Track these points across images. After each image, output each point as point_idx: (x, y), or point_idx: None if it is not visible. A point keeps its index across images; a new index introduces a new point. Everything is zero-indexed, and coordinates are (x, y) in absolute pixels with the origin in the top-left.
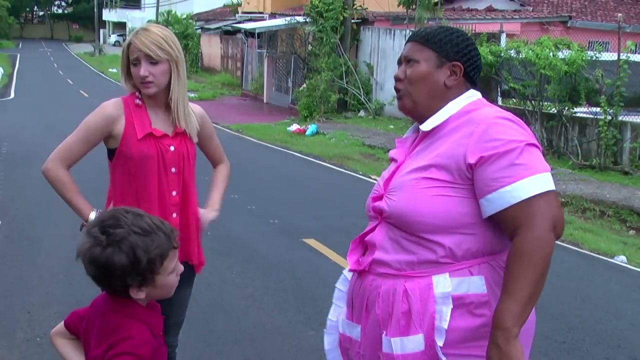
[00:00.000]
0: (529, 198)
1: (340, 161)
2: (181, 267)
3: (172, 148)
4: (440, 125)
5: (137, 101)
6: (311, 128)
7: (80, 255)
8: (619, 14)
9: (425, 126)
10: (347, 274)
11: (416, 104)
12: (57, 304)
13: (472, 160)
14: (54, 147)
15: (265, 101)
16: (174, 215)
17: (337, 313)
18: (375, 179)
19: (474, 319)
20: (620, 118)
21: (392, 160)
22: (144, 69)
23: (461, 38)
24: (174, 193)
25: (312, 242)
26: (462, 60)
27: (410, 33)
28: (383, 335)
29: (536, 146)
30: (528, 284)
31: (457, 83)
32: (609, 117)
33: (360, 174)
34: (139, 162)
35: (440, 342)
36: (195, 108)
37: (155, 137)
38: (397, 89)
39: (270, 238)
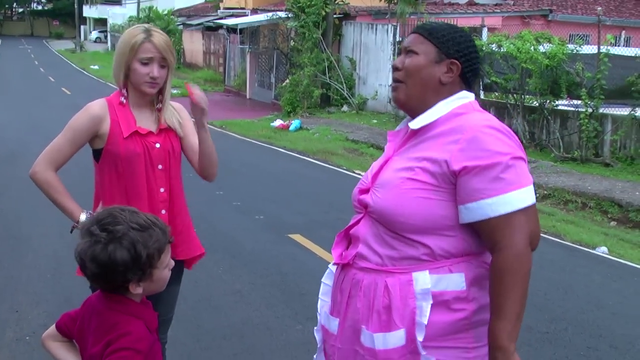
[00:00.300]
0: (508, 213)
1: (324, 156)
2: (172, 262)
3: (157, 145)
4: (429, 125)
5: (122, 99)
6: (295, 123)
7: (80, 255)
8: (599, 8)
9: (414, 124)
10: (332, 268)
11: (409, 97)
12: (45, 302)
13: (456, 167)
14: (37, 146)
15: (248, 97)
16: (163, 211)
17: (321, 306)
18: (360, 174)
19: (453, 314)
20: (601, 110)
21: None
22: (156, 71)
23: (464, 38)
24: (161, 190)
25: (297, 238)
26: (461, 59)
27: (392, 26)
28: (363, 329)
29: (522, 158)
30: (515, 301)
31: (452, 81)
32: (590, 110)
33: (344, 169)
34: (126, 161)
35: (420, 337)
36: (175, 104)
37: (141, 135)
38: (393, 79)
39: (256, 234)
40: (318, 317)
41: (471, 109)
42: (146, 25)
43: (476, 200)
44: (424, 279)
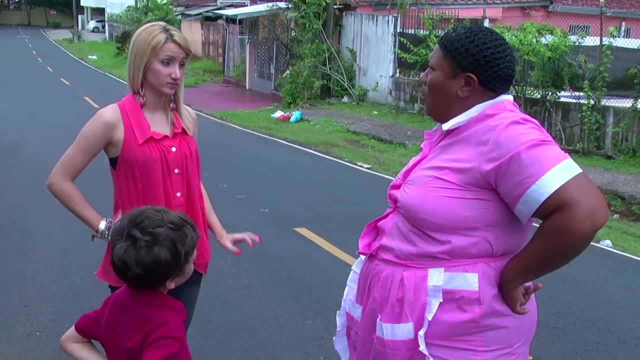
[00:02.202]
0: (556, 190)
1: (326, 148)
2: (195, 254)
3: (173, 149)
4: (462, 126)
5: (141, 100)
6: (295, 115)
7: (122, 259)
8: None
9: (446, 125)
10: (362, 257)
11: (433, 111)
12: (54, 297)
13: (488, 168)
14: (38, 137)
15: (247, 88)
16: None
17: (347, 293)
18: (362, 166)
19: (462, 314)
20: (603, 103)
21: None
22: (178, 71)
23: (480, 47)
24: (178, 194)
25: (303, 231)
26: (477, 71)
27: (393, 17)
28: (378, 318)
29: (549, 142)
30: (539, 256)
31: (472, 94)
32: (592, 102)
33: (346, 161)
34: (144, 167)
35: (421, 333)
36: (190, 110)
37: (156, 140)
38: (422, 92)
39: (261, 227)
40: (343, 303)
41: (503, 109)
42: (162, 23)
43: (524, 192)
44: (437, 276)
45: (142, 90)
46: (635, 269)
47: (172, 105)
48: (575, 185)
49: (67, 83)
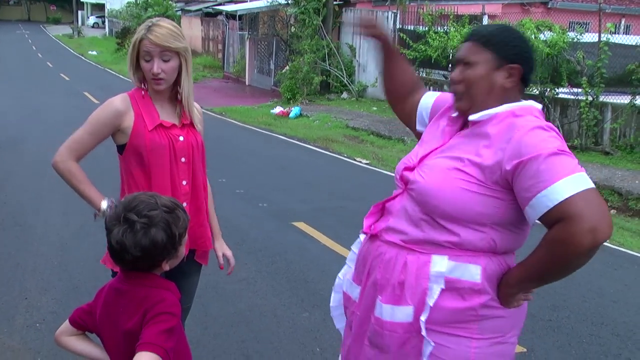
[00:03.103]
0: (564, 200)
1: (325, 143)
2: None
3: (181, 138)
4: (486, 120)
5: (143, 93)
6: (294, 110)
7: (120, 242)
8: None
9: (474, 116)
10: (362, 237)
11: (474, 106)
12: (53, 289)
13: (508, 167)
14: (38, 132)
15: (247, 83)
16: (185, 204)
17: (344, 272)
18: (361, 162)
19: (462, 302)
20: (601, 99)
21: (434, 125)
22: (156, 66)
23: (521, 40)
24: (184, 182)
25: (301, 226)
26: (521, 62)
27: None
28: (378, 299)
29: (566, 152)
30: (540, 266)
31: (513, 85)
32: (590, 98)
33: (345, 157)
34: (152, 153)
35: (423, 317)
36: (198, 106)
37: (165, 127)
38: (453, 92)
39: (260, 221)
40: (338, 280)
41: (529, 112)
42: (155, 19)
43: (534, 195)
44: (441, 263)
45: (144, 85)
46: (630, 264)
47: (179, 96)
48: (583, 198)
49: (67, 78)
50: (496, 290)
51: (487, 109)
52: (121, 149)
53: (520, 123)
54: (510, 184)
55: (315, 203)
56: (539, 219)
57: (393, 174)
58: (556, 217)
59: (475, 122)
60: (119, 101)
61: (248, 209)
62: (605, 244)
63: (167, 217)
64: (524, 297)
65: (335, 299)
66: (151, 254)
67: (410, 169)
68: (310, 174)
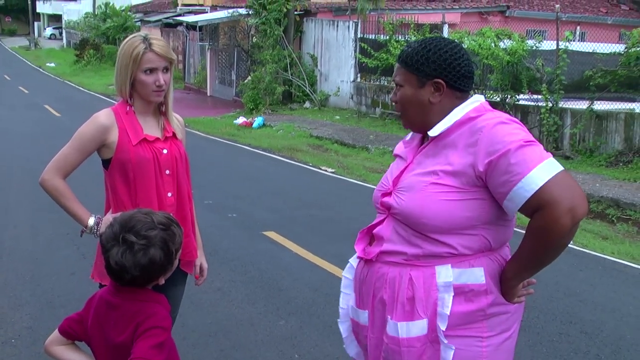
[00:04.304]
0: (540, 187)
1: (290, 153)
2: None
3: (165, 151)
4: (446, 130)
5: (128, 109)
6: (258, 120)
7: (119, 264)
8: (557, 5)
9: (433, 132)
10: (353, 262)
11: (412, 123)
12: (27, 305)
13: (481, 168)
14: (1, 147)
15: (209, 94)
16: None
17: (346, 300)
18: (326, 170)
19: (470, 305)
20: (560, 105)
21: (398, 157)
22: (162, 78)
23: (438, 54)
24: (169, 194)
25: (272, 235)
26: (442, 75)
27: (353, 23)
28: (388, 319)
29: (533, 142)
30: (531, 255)
31: (443, 97)
32: (550, 104)
33: (310, 166)
34: (137, 166)
35: (442, 327)
36: (179, 117)
37: (149, 141)
38: (397, 110)
39: (230, 232)
40: (341, 311)
41: (483, 110)
42: (143, 33)
43: (510, 189)
44: (446, 273)
45: (130, 100)
46: (595, 265)
47: (162, 108)
48: (556, 183)
49: (26, 91)
50: (499, 287)
51: (429, 123)
52: (106, 163)
53: (481, 123)
54: (485, 183)
55: (284, 212)
56: (519, 210)
57: (358, 182)
58: (535, 205)
59: (435, 137)
60: (103, 116)
61: (218, 219)
62: (570, 245)
63: (164, 235)
64: (526, 292)
65: (344, 329)
66: (149, 273)
67: (388, 194)
68: (277, 184)
